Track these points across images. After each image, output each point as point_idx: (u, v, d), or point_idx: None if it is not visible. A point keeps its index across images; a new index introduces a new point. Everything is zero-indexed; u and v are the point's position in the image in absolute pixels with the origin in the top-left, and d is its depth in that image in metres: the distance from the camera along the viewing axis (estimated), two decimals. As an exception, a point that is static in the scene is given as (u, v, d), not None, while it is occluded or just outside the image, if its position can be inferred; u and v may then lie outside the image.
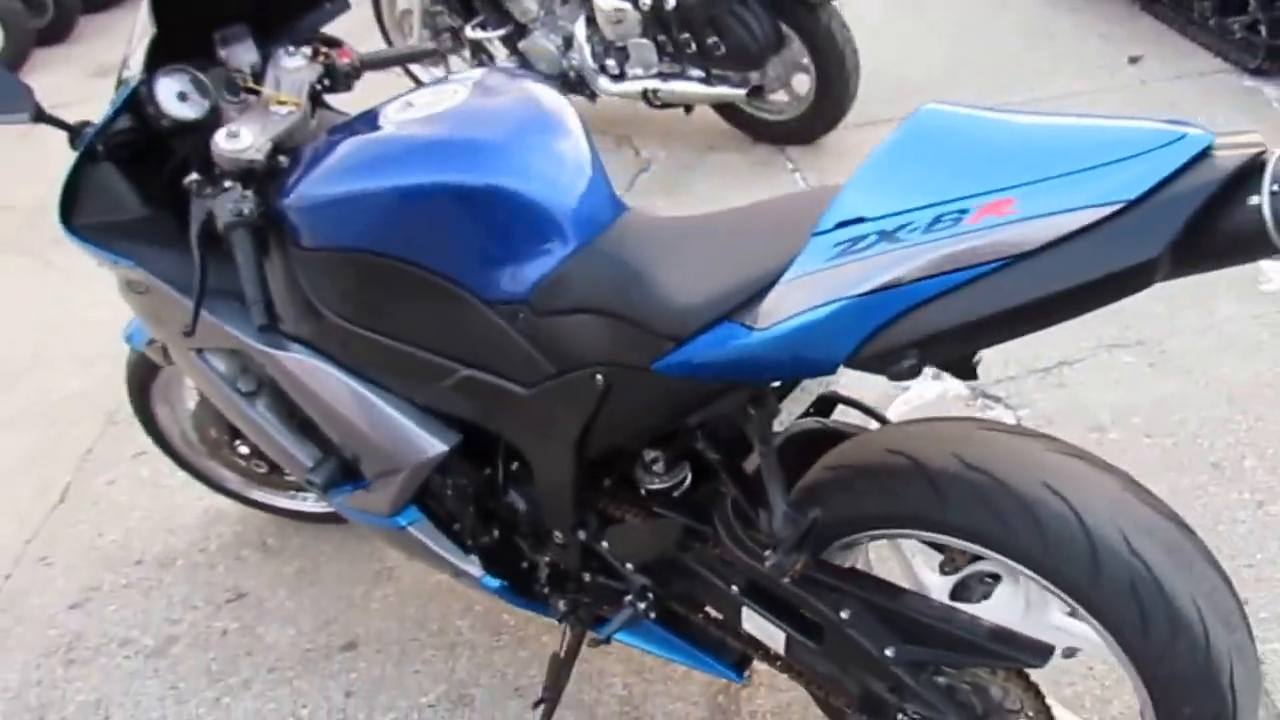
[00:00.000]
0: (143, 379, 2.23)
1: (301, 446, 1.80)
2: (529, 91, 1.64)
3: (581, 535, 1.63)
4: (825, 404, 1.72)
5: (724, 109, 3.96)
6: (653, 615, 1.64)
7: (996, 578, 1.44)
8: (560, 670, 1.79)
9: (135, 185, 1.81)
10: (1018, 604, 1.42)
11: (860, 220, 1.16)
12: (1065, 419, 2.45)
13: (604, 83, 3.92)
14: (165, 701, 2.08)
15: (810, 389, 1.54)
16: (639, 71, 3.85)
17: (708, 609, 1.66)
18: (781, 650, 1.54)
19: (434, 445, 1.64)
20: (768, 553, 1.37)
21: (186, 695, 2.09)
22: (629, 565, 1.63)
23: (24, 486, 2.77)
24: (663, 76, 3.81)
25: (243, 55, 1.79)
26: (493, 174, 1.48)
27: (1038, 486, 1.27)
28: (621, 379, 1.39)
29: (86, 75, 6.06)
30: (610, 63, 3.91)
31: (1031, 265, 1.07)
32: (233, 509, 2.52)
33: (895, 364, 1.15)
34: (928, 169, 1.16)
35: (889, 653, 1.41)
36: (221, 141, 1.63)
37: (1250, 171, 1.02)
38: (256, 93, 1.76)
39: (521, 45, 4.12)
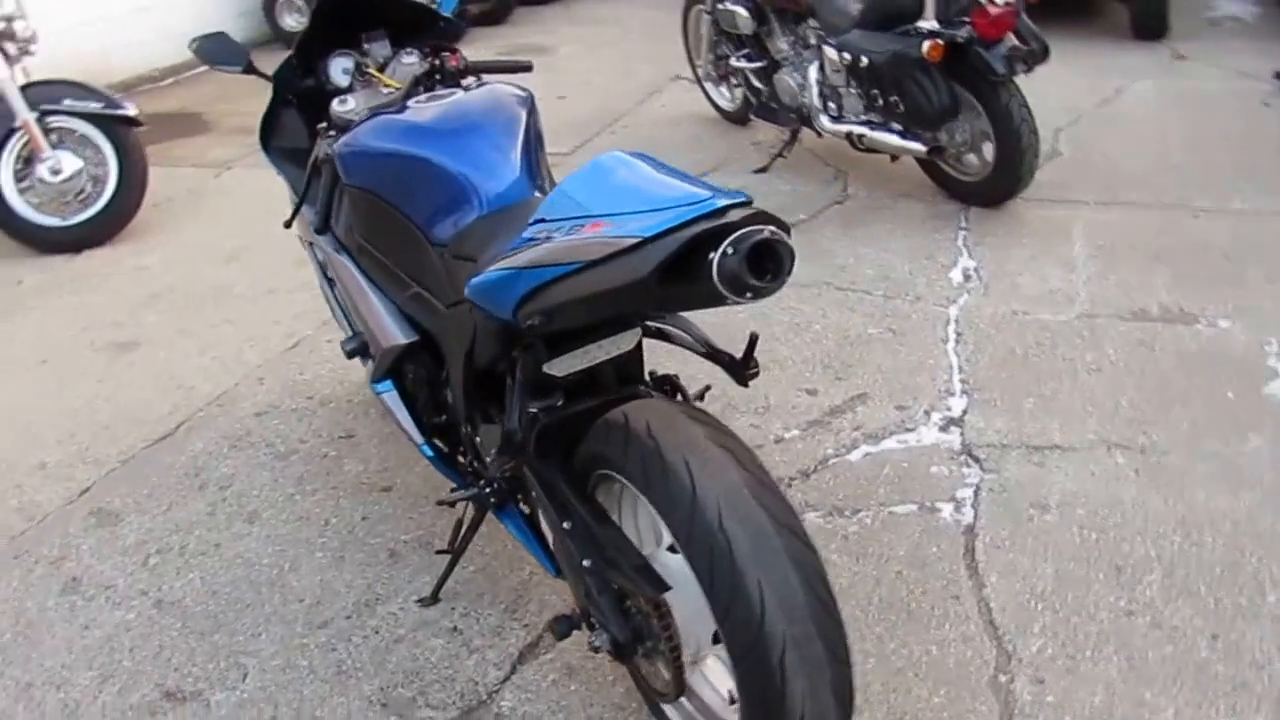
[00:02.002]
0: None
1: (346, 323, 2.37)
2: (495, 102, 2.11)
3: (468, 429, 2.06)
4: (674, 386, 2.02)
5: (925, 162, 4.06)
6: (494, 500, 2.03)
7: None
8: (464, 534, 2.22)
9: (306, 126, 2.46)
10: None
11: (543, 220, 1.54)
12: (1018, 492, 2.49)
13: (824, 120, 4.17)
14: (265, 487, 2.75)
15: (593, 354, 1.76)
16: (851, 117, 4.07)
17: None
18: (554, 548, 1.89)
19: (399, 337, 2.12)
20: (491, 454, 1.74)
21: (279, 487, 2.75)
22: (488, 458, 2.01)
23: (278, 334, 3.57)
24: (869, 124, 4.00)
25: (378, 50, 2.38)
26: (440, 152, 1.97)
27: (679, 459, 1.51)
28: (478, 312, 1.74)
29: (496, 54, 7.04)
30: (831, 105, 4.15)
31: (594, 270, 1.41)
32: (380, 378, 3.16)
33: (528, 323, 1.51)
34: (589, 192, 1.52)
35: (586, 563, 1.71)
36: (335, 104, 2.24)
37: (728, 232, 1.28)
38: (376, 77, 2.36)
39: (774, 78, 4.45)
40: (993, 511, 2.44)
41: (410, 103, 2.12)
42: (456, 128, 2.03)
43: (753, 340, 1.84)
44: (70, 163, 4.26)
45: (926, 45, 3.62)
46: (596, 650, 1.74)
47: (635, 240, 1.35)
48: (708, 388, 2.12)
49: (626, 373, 1.92)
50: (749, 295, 1.31)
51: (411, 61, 2.36)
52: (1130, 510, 2.40)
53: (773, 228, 1.32)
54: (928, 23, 3.78)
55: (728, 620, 1.46)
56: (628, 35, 6.91)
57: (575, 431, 1.78)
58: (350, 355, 2.33)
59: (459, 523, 2.22)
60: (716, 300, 1.33)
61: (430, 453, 2.22)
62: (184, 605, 2.35)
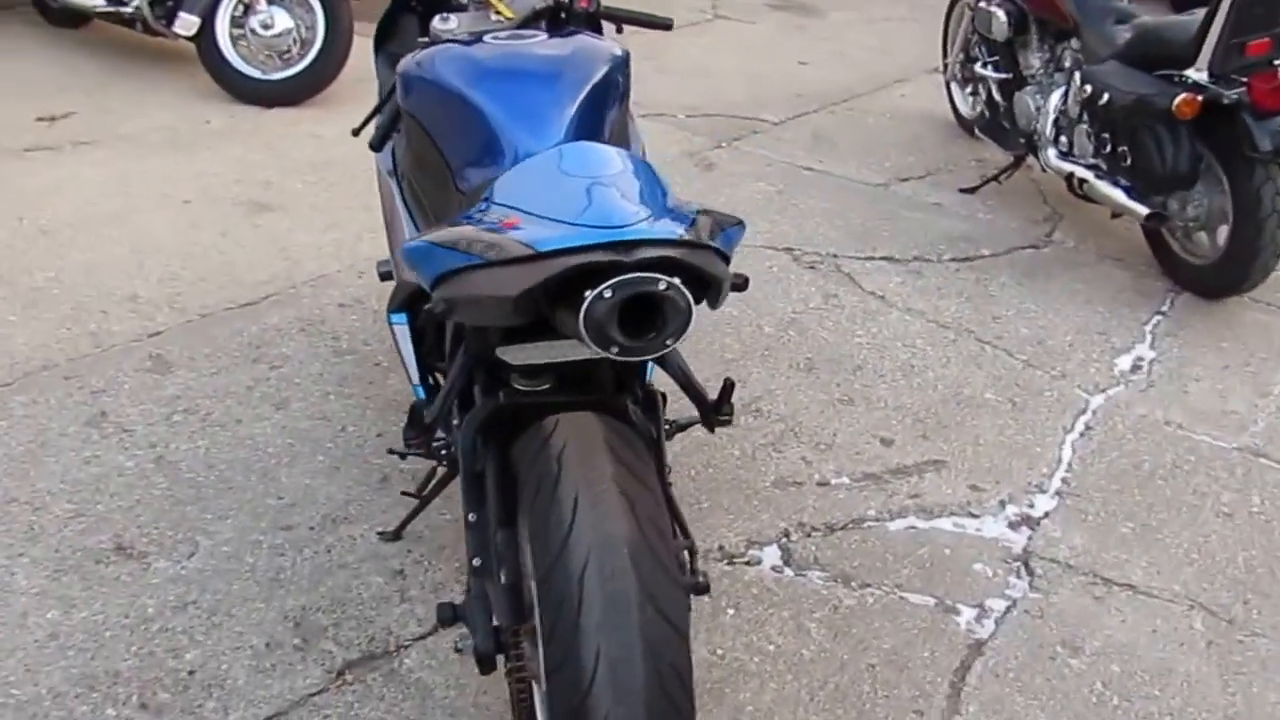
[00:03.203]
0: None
1: (389, 242, 2.44)
2: (574, 55, 2.06)
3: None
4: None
5: (1149, 229, 3.69)
6: (444, 464, 2.04)
7: None
8: (434, 484, 2.25)
9: (419, 35, 2.51)
10: None
11: (489, 200, 1.52)
12: (1056, 622, 2.25)
13: (1051, 153, 3.87)
14: (308, 379, 2.88)
15: (555, 350, 1.65)
16: (1079, 157, 3.76)
17: None
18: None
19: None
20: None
21: (320, 382, 2.87)
22: (454, 421, 2.02)
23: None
24: (1095, 170, 3.68)
25: None
26: (490, 97, 1.93)
27: (570, 493, 1.43)
28: None
29: (763, 3, 6.93)
30: (1064, 139, 3.84)
31: (487, 270, 1.37)
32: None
33: (429, 305, 1.50)
34: (532, 182, 1.48)
35: (475, 562, 1.69)
36: (437, 21, 2.28)
37: (614, 273, 1.22)
38: (490, 1, 2.37)
39: (1015, 95, 4.16)
40: (1015, 634, 2.23)
41: (487, 38, 2.11)
42: (518, 74, 1.99)
43: (728, 385, 1.75)
44: (282, 20, 4.57)
45: (1179, 99, 3.27)
46: (459, 651, 1.72)
47: (527, 252, 1.31)
48: (693, 421, 1.99)
49: (624, 379, 1.86)
50: (614, 350, 1.25)
51: None
52: (1176, 686, 2.13)
53: (675, 280, 1.25)
54: (1198, 73, 3.38)
55: (552, 680, 1.39)
56: (911, 12, 6.62)
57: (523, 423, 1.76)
58: (383, 278, 2.39)
59: (433, 470, 2.26)
60: (584, 344, 1.27)
61: (423, 394, 2.25)
62: (178, 469, 2.53)
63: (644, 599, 1.36)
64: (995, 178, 4.24)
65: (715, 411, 1.77)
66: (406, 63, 2.13)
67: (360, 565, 2.29)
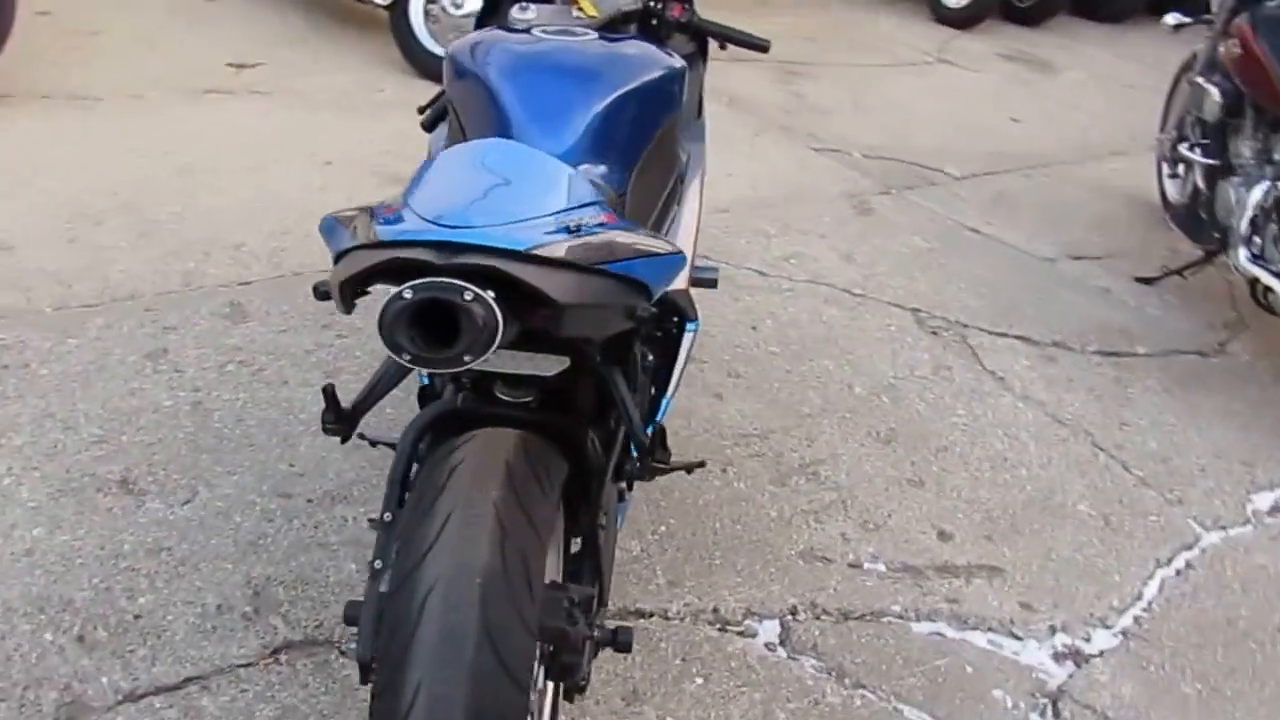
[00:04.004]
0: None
1: None
2: (616, 57, 2.02)
3: None
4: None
5: (1338, 358, 3.30)
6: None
7: None
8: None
9: None
10: None
11: (409, 183, 1.49)
12: (1066, 779, 2.02)
13: (1241, 253, 3.49)
14: (372, 353, 2.93)
15: (506, 362, 1.58)
16: (1269, 263, 3.40)
17: None
18: None
19: None
20: None
21: (378, 358, 2.84)
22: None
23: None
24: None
25: None
26: (516, 88, 1.91)
27: (446, 509, 1.38)
28: None
29: (998, 53, 6.65)
30: (1257, 240, 3.47)
31: (346, 257, 1.34)
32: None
33: (318, 284, 1.48)
34: (434, 173, 1.45)
35: (376, 564, 1.63)
36: (515, 10, 2.28)
37: (422, 273, 1.17)
38: None
39: (1219, 184, 3.79)
40: (1011, 780, 2.01)
41: (535, 31, 2.08)
42: (549, 70, 1.95)
43: (659, 432, 1.66)
44: (473, 2, 4.71)
45: None
46: (343, 654, 1.68)
47: (369, 240, 1.28)
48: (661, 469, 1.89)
49: (604, 407, 1.79)
50: (406, 357, 1.19)
51: None
52: None
53: (486, 294, 1.18)
54: None
55: (374, 703, 1.34)
56: (1159, 81, 6.18)
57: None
58: None
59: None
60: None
61: (425, 380, 2.25)
62: (210, 418, 2.61)
63: (483, 638, 1.28)
64: (1179, 271, 3.88)
65: (649, 456, 1.67)
66: (453, 46, 2.12)
67: (340, 548, 2.29)
